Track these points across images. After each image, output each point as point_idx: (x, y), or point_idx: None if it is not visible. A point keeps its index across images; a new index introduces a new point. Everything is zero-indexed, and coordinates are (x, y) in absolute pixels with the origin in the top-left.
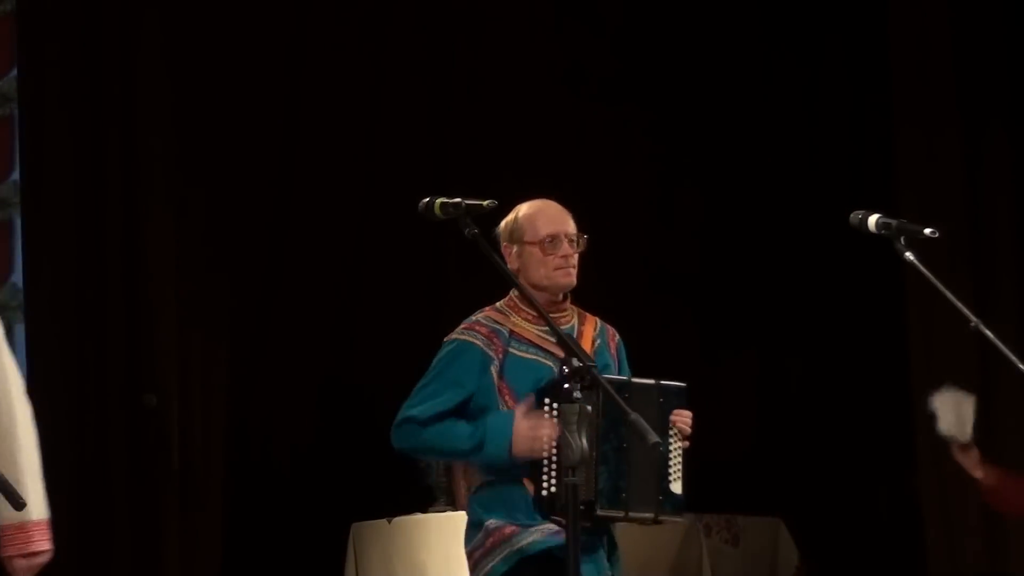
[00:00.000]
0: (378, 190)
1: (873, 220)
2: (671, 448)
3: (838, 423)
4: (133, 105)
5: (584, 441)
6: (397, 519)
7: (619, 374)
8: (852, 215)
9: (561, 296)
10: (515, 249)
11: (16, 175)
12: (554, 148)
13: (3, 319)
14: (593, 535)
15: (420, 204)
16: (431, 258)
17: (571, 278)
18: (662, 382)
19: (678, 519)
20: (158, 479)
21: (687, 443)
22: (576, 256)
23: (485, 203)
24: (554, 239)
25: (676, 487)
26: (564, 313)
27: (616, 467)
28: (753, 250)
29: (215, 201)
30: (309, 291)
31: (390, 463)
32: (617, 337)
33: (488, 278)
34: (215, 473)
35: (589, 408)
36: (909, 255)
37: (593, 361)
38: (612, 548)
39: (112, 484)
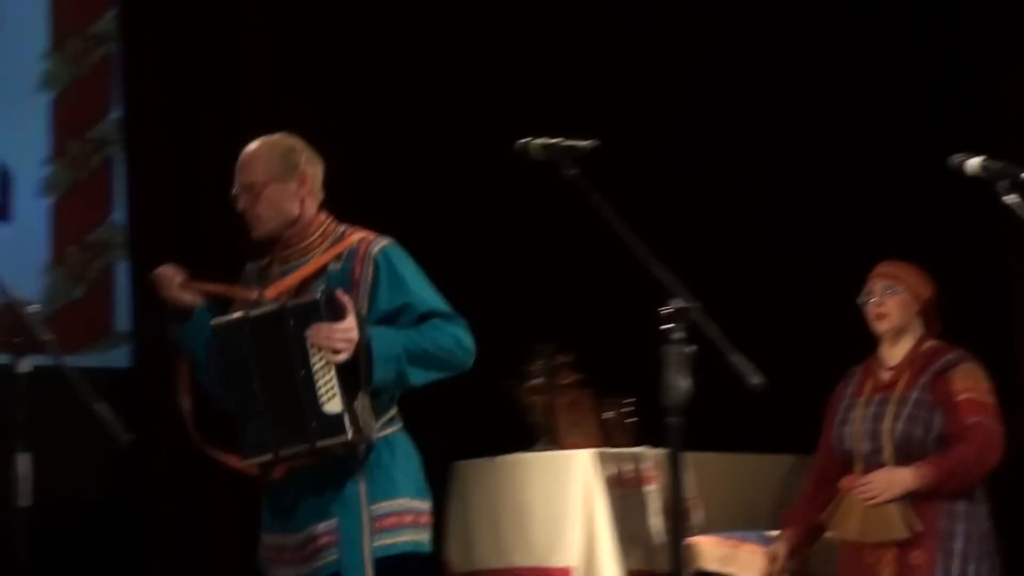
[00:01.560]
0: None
1: (975, 163)
2: (315, 367)
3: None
4: (234, 40)
5: (686, 381)
6: (499, 458)
7: (368, 296)
8: (951, 158)
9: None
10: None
11: (119, 113)
12: None
13: (105, 256)
14: (319, 471)
15: (516, 145)
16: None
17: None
18: (290, 303)
19: (339, 439)
20: None
21: (340, 355)
22: (259, 205)
23: (584, 144)
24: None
25: (332, 406)
26: (299, 249)
27: (254, 407)
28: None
29: (314, 136)
30: (417, 218)
31: (492, 402)
32: (376, 255)
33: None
34: None
35: (690, 349)
36: (1012, 197)
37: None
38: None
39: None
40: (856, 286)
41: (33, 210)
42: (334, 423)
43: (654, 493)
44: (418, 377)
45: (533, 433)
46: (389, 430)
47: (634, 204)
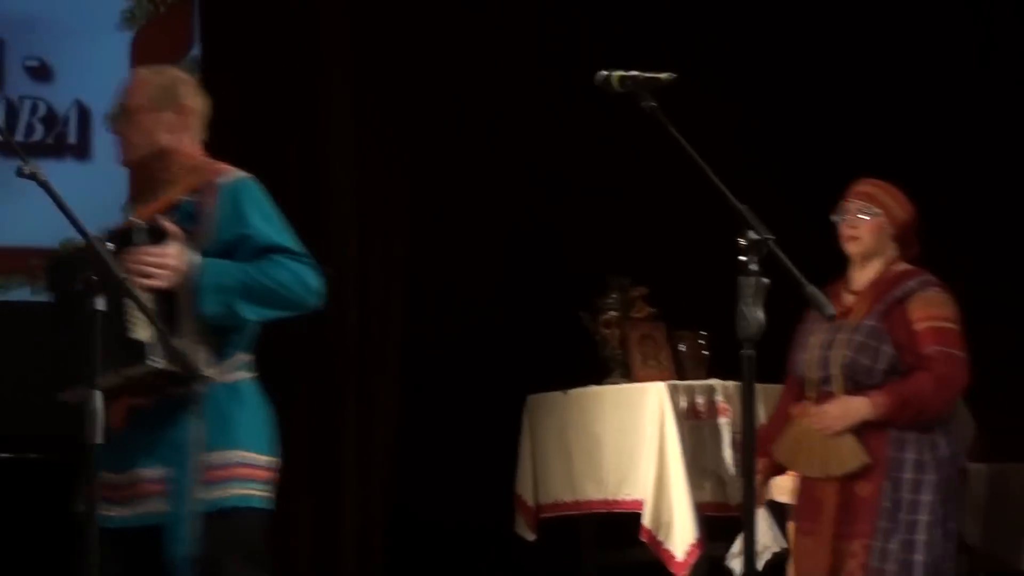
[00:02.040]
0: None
1: None
2: (128, 294)
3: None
4: None
5: (760, 313)
6: (573, 391)
7: (213, 228)
8: None
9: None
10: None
11: (195, 51)
12: None
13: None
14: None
15: (597, 76)
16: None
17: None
18: (109, 230)
19: (141, 368)
20: (336, 348)
21: (152, 281)
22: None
23: (663, 76)
24: None
25: (138, 333)
26: (163, 181)
27: (73, 342)
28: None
29: (394, 63)
30: (490, 157)
31: (567, 334)
32: (223, 187)
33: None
34: (393, 342)
35: (766, 282)
36: None
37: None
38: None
39: (290, 354)
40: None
41: (112, 149)
42: (136, 350)
43: (727, 425)
44: (251, 312)
45: (606, 366)
46: (236, 375)
47: (710, 137)
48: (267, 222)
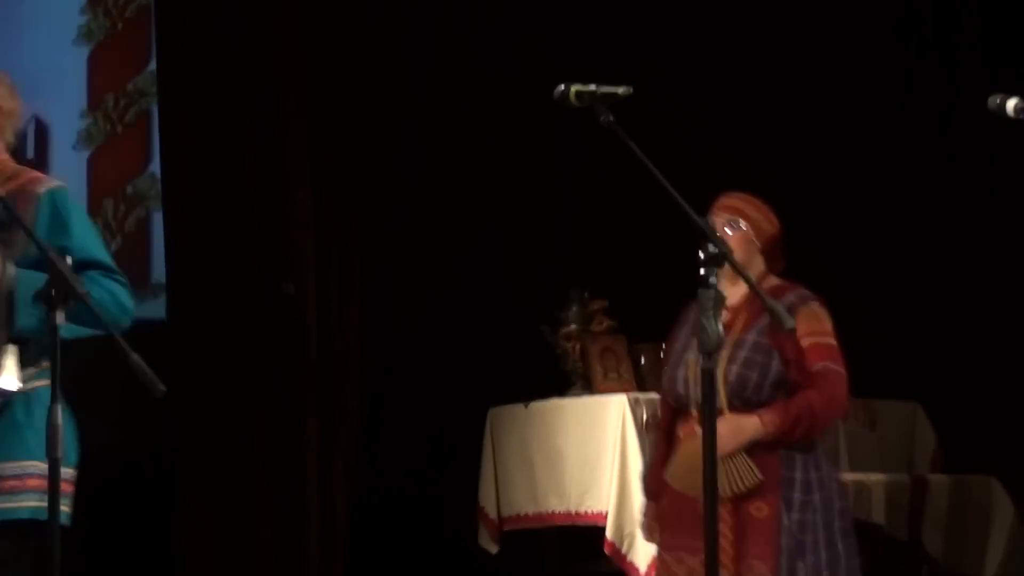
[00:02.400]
0: (510, 74)
1: (1012, 104)
2: None
3: (978, 303)
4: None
5: (720, 326)
6: (534, 404)
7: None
8: (991, 98)
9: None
10: None
11: (153, 66)
12: None
13: (142, 208)
14: None
15: (555, 91)
16: (564, 139)
17: None
18: None
19: None
20: (296, 366)
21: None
22: None
23: (620, 90)
24: None
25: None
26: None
27: None
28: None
29: (350, 78)
30: (448, 171)
31: (527, 348)
32: (41, 195)
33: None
34: (354, 357)
35: (725, 294)
36: None
37: None
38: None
39: (250, 372)
40: (909, 234)
41: (69, 163)
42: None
43: None
44: (65, 330)
45: (567, 379)
46: (32, 384)
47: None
48: (87, 236)
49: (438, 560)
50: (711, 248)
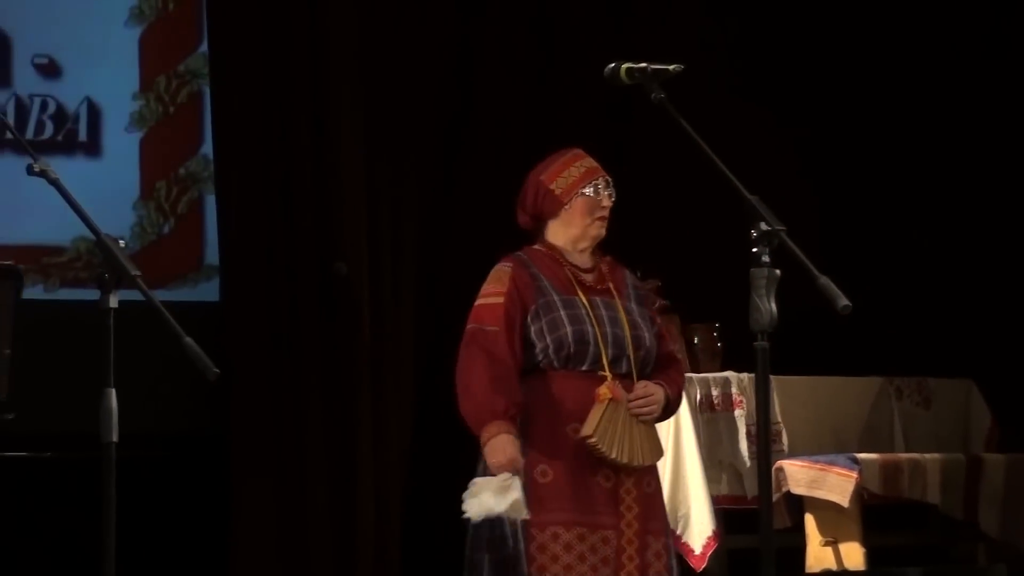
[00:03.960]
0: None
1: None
2: None
3: None
4: None
5: (773, 305)
6: None
7: None
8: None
9: None
10: None
11: (204, 46)
12: None
13: (195, 190)
14: None
15: (606, 70)
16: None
17: None
18: None
19: None
20: (349, 346)
21: None
22: None
23: (671, 67)
24: None
25: None
26: None
27: None
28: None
29: (400, 59)
30: (499, 151)
31: None
32: None
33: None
34: (406, 340)
35: (778, 273)
36: None
37: None
38: None
39: (304, 353)
40: (946, 214)
41: (122, 145)
42: None
43: (742, 418)
44: None
45: None
46: None
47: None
48: None
49: None
50: (763, 226)
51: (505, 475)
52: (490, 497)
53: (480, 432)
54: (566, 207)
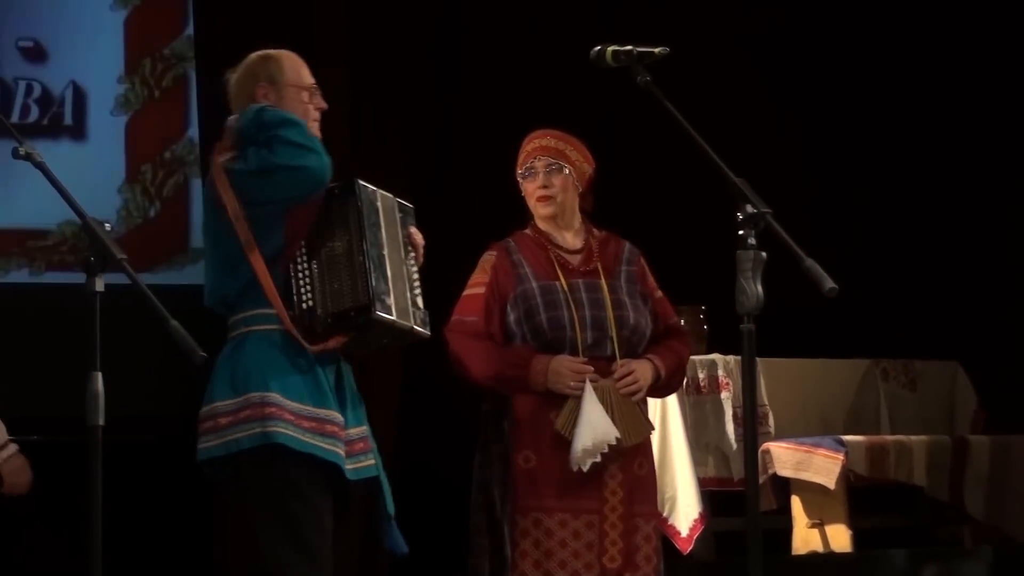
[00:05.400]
0: (548, 37)
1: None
2: (414, 264)
3: (1019, 263)
4: None
5: (759, 287)
6: None
7: None
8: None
9: None
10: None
11: (190, 30)
12: None
13: (180, 173)
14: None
15: (592, 52)
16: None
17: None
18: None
19: (427, 333)
20: None
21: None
22: None
23: (657, 50)
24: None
25: (421, 302)
26: None
27: (381, 273)
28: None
29: (389, 51)
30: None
31: None
32: None
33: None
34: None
35: (764, 255)
36: None
37: None
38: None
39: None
40: (933, 197)
41: (107, 129)
42: (426, 319)
43: (728, 400)
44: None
45: None
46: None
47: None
48: None
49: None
50: (749, 209)
51: (587, 391)
52: (601, 417)
53: (525, 380)
54: (522, 191)
